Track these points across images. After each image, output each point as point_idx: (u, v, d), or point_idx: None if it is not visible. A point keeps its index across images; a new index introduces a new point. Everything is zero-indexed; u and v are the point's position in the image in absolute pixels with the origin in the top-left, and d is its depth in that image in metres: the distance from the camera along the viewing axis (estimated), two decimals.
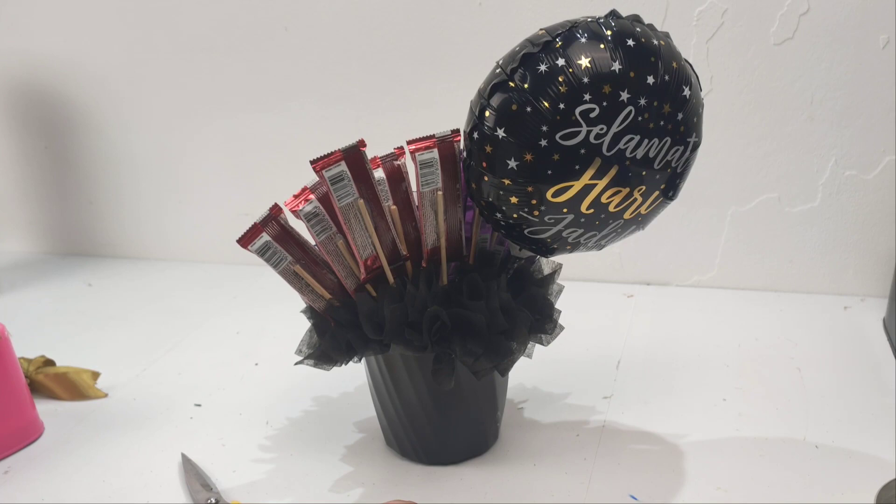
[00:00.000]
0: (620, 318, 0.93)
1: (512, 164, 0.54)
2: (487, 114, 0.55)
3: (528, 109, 0.53)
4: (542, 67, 0.53)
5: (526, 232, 0.59)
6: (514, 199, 0.56)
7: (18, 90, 1.14)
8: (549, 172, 0.54)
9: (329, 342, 0.62)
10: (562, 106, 0.52)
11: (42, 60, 1.11)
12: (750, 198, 0.94)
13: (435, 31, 0.96)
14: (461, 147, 0.60)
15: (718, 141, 0.91)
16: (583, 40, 0.53)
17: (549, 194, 0.55)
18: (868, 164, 0.89)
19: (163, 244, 1.18)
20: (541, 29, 0.55)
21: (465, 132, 0.58)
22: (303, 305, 0.65)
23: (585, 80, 0.52)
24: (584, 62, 0.52)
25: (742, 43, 0.87)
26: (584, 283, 1.01)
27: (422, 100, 0.99)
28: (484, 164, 0.56)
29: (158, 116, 1.10)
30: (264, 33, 1.02)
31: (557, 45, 0.53)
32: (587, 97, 0.52)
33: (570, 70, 0.52)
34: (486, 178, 0.56)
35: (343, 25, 0.99)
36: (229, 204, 1.12)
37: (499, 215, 0.58)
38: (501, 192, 0.56)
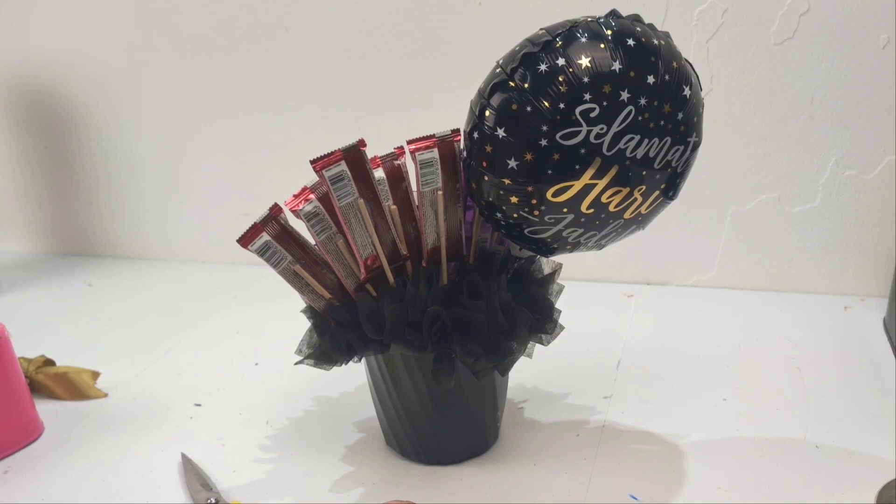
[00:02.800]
0: (620, 318, 0.93)
1: (512, 163, 0.54)
2: (487, 113, 0.55)
3: (529, 109, 0.53)
4: (543, 67, 0.53)
5: (526, 231, 0.59)
6: (514, 199, 0.56)
7: (18, 90, 1.14)
8: (550, 172, 0.54)
9: (329, 342, 0.62)
10: (562, 105, 0.52)
11: (42, 60, 1.11)
12: (750, 198, 0.94)
13: (435, 31, 0.96)
14: (461, 147, 0.60)
15: (718, 141, 0.91)
16: (583, 40, 0.53)
17: (549, 194, 0.55)
18: (868, 164, 0.89)
19: (163, 244, 1.18)
20: (541, 28, 0.55)
21: (465, 132, 0.58)
22: (303, 305, 0.65)
23: (586, 79, 0.52)
24: (585, 62, 0.52)
25: (742, 43, 0.87)
26: (584, 283, 1.01)
27: (422, 100, 0.99)
28: (484, 164, 0.56)
29: (158, 116, 1.10)
30: (264, 33, 1.02)
31: (558, 45, 0.53)
32: (587, 97, 0.52)
33: (571, 70, 0.52)
34: (486, 178, 0.56)
35: (343, 25, 0.98)
36: (229, 204, 1.12)
37: (499, 215, 0.58)
38: (501, 192, 0.56)
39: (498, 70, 0.55)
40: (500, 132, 0.54)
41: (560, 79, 0.52)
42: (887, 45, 0.84)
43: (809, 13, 0.85)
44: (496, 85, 0.54)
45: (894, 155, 0.88)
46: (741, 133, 0.91)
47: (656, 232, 0.97)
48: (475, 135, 0.56)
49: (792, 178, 0.91)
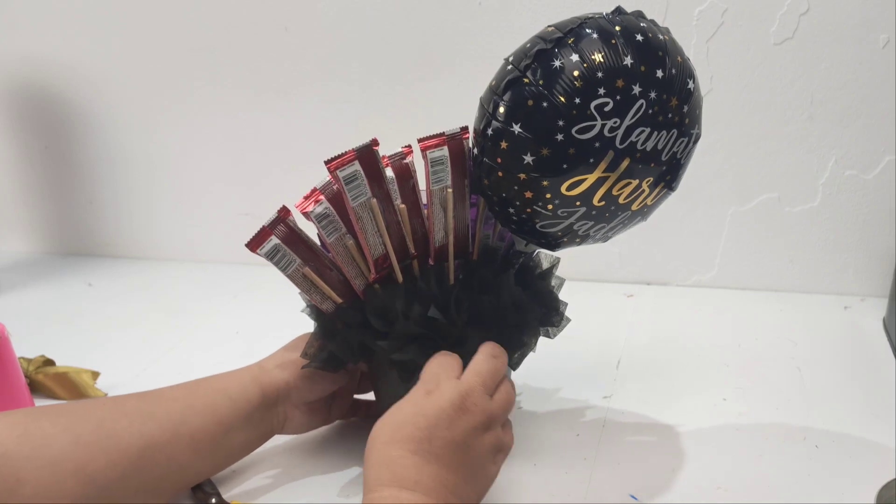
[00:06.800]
0: (620, 318, 0.93)
1: (528, 158, 0.55)
2: (502, 110, 0.55)
3: (545, 105, 0.53)
4: (557, 63, 0.54)
5: (538, 226, 0.59)
6: (528, 194, 0.56)
7: (18, 90, 1.14)
8: (565, 166, 0.55)
9: (340, 344, 0.62)
10: (577, 100, 0.53)
11: (42, 60, 1.11)
12: (750, 198, 0.94)
13: (435, 30, 0.96)
14: (470, 144, 0.60)
15: (719, 141, 0.91)
16: (594, 36, 0.54)
17: (563, 188, 0.56)
18: (868, 164, 0.89)
19: (163, 244, 1.18)
20: (549, 26, 0.56)
21: (476, 129, 0.58)
22: (303, 304, 0.65)
23: (600, 74, 0.53)
24: (598, 57, 0.53)
25: (742, 43, 0.87)
26: (584, 282, 1.00)
27: (422, 99, 0.99)
28: (499, 160, 0.56)
29: (158, 116, 1.10)
30: (264, 33, 1.01)
31: (570, 41, 0.54)
32: (602, 91, 0.53)
33: (585, 65, 0.53)
34: (500, 174, 0.57)
35: (343, 25, 0.98)
36: (229, 204, 1.12)
37: (511, 210, 0.59)
38: (516, 188, 0.57)
39: (509, 67, 0.56)
40: (516, 128, 0.55)
41: (575, 74, 0.53)
42: (887, 45, 0.84)
43: (809, 13, 0.85)
44: (510, 82, 0.55)
45: (894, 155, 0.88)
46: (741, 133, 0.91)
47: (656, 232, 0.97)
48: (489, 132, 0.56)
49: (792, 178, 0.91)
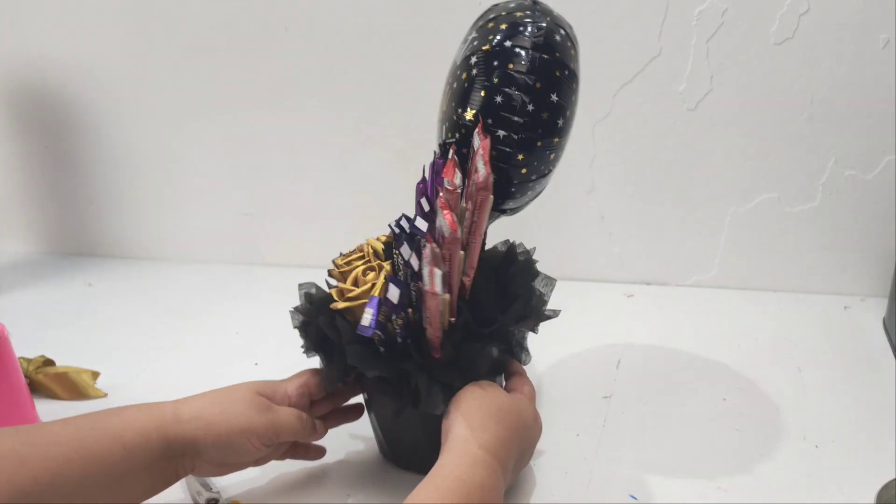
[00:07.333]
0: (620, 318, 0.93)
1: (561, 122, 0.61)
2: (539, 86, 0.60)
3: (566, 73, 0.61)
4: (557, 37, 0.61)
5: (542, 185, 0.66)
6: (552, 156, 0.63)
7: (18, 90, 1.14)
8: (571, 122, 0.64)
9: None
10: (574, 65, 0.63)
11: (42, 60, 1.11)
12: (750, 198, 0.94)
13: (435, 30, 0.96)
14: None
15: (718, 141, 0.91)
16: (555, 13, 0.63)
17: (564, 142, 0.64)
18: (868, 164, 0.89)
19: (163, 244, 1.18)
20: (520, 10, 0.62)
21: (515, 112, 0.60)
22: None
23: (575, 41, 0.63)
24: (567, 28, 0.63)
25: (742, 43, 0.87)
26: (584, 283, 1.01)
27: (422, 99, 0.99)
28: (540, 131, 0.61)
29: (158, 116, 1.10)
30: (264, 33, 1.02)
31: (548, 19, 0.62)
32: (573, 53, 0.63)
33: (568, 35, 0.62)
34: (539, 144, 0.62)
35: (343, 25, 0.98)
36: (229, 204, 1.12)
37: (534, 177, 0.63)
38: (548, 152, 0.63)
39: (521, 49, 0.60)
40: (553, 97, 0.60)
41: (569, 44, 0.62)
42: (887, 45, 0.84)
43: (809, 13, 0.85)
44: (537, 57, 0.60)
45: (894, 155, 0.88)
46: (741, 133, 0.91)
47: (656, 232, 0.97)
48: (544, 115, 0.60)
49: (792, 178, 0.91)
